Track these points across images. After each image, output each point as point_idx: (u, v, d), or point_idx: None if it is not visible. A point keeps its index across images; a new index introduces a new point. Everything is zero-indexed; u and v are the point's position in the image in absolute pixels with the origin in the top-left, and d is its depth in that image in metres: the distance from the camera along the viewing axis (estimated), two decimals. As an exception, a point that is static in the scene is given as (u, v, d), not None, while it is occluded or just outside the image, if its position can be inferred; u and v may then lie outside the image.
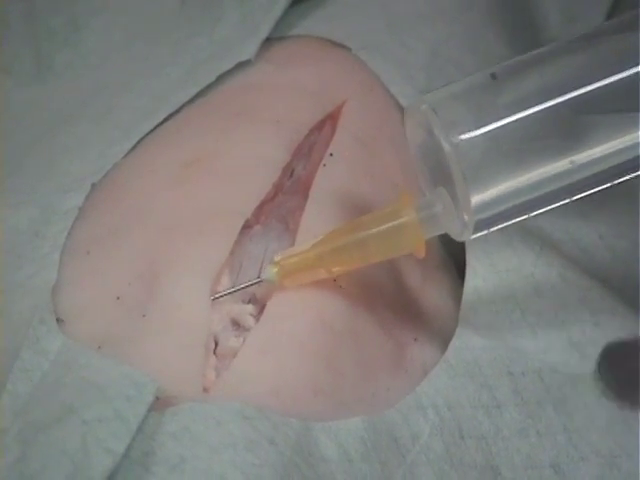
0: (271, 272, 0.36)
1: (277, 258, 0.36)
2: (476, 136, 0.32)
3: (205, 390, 0.34)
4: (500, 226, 0.35)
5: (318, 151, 0.44)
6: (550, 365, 0.39)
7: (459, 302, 0.41)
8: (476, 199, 0.33)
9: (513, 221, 0.35)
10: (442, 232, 0.36)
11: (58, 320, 0.36)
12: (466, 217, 0.33)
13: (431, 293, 0.42)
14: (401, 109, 0.48)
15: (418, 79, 0.50)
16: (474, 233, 0.34)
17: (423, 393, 0.37)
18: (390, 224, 0.36)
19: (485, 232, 0.35)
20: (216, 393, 0.34)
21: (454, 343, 0.39)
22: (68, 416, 0.31)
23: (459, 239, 0.35)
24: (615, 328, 0.41)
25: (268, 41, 0.50)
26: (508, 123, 0.32)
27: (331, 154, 0.43)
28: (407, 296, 0.41)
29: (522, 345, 0.40)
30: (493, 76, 0.34)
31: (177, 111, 0.47)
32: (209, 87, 0.48)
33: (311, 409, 0.34)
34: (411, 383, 0.38)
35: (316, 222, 0.39)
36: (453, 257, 0.44)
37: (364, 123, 0.46)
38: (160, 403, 0.32)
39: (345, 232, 0.36)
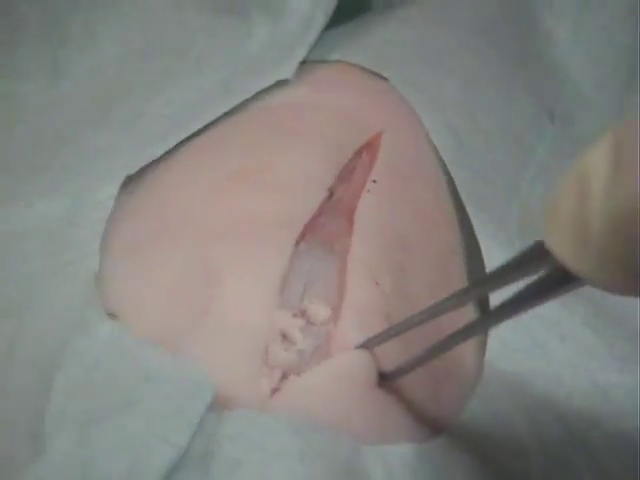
0: None
1: None
2: None
3: (261, 398, 0.36)
4: None
5: (358, 176, 0.47)
6: (575, 410, 0.42)
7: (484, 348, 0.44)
8: None
9: None
10: None
11: (109, 314, 0.38)
12: None
13: None
14: (432, 144, 0.51)
15: (449, 116, 0.54)
16: None
17: (456, 432, 0.40)
18: None
19: None
20: (272, 403, 0.36)
21: (479, 392, 0.42)
22: (128, 407, 0.33)
23: None
24: None
25: (303, 63, 0.54)
26: None
27: (374, 181, 0.46)
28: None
29: (547, 391, 0.43)
30: None
31: (213, 122, 0.50)
32: (245, 102, 0.51)
33: (361, 435, 0.37)
34: (446, 417, 0.41)
35: (365, 251, 0.42)
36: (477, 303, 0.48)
37: (401, 154, 0.49)
38: (216, 404, 0.35)
39: None
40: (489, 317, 0.36)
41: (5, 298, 0.41)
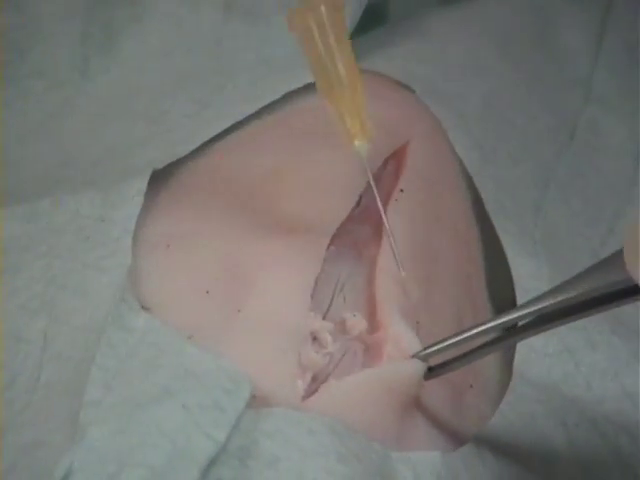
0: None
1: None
2: None
3: (297, 398, 0.37)
4: None
5: (385, 185, 0.48)
6: (604, 415, 0.43)
7: (512, 352, 0.45)
8: None
9: None
10: None
11: (142, 307, 0.39)
12: None
13: None
14: (455, 157, 0.52)
15: (473, 130, 0.55)
16: None
17: (482, 441, 0.41)
18: None
19: None
20: (307, 404, 0.37)
21: (508, 396, 0.43)
22: (167, 398, 0.34)
23: None
24: None
25: None
26: None
27: (401, 190, 0.47)
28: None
29: (577, 396, 0.44)
30: None
31: (242, 123, 0.51)
32: (274, 104, 0.52)
33: (390, 443, 0.38)
34: (468, 428, 0.42)
35: (393, 262, 0.43)
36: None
37: (429, 164, 0.50)
38: (254, 401, 0.35)
39: None
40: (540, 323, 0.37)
41: (37, 295, 0.42)
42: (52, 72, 0.58)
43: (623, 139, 0.61)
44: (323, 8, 0.40)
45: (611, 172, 0.60)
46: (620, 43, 0.65)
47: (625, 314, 0.48)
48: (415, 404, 0.40)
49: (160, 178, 0.47)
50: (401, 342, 0.40)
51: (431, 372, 0.40)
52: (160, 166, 0.47)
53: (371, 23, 0.67)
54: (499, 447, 0.41)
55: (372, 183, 0.43)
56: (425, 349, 0.39)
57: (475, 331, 0.38)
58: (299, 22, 0.41)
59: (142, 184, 0.45)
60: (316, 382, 0.39)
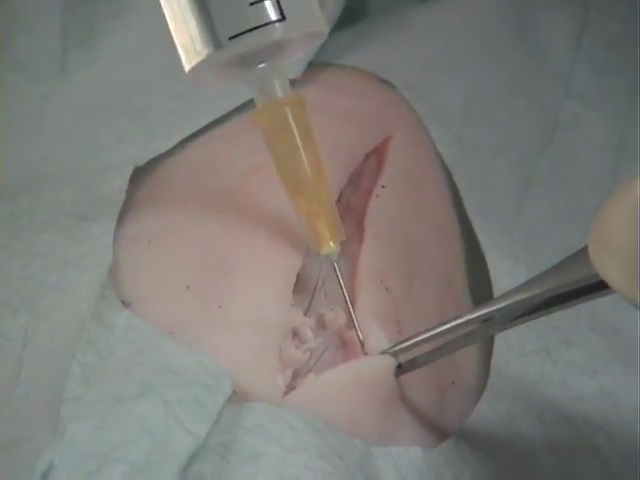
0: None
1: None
2: None
3: (278, 394, 0.37)
4: None
5: (366, 181, 0.48)
6: (582, 414, 0.43)
7: (490, 352, 0.46)
8: None
9: None
10: None
11: (123, 303, 0.39)
12: None
13: None
14: (436, 152, 0.53)
15: (454, 126, 0.55)
16: None
17: (461, 438, 0.41)
18: None
19: None
20: (286, 400, 0.37)
21: (486, 394, 0.43)
22: (147, 394, 0.34)
23: None
24: None
25: (310, 65, 0.55)
26: None
27: (383, 186, 0.47)
28: None
29: (554, 395, 0.44)
30: None
31: (223, 118, 0.51)
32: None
33: (371, 438, 0.39)
34: (450, 424, 0.43)
35: (375, 257, 0.44)
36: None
37: (410, 159, 0.51)
38: (234, 397, 0.36)
39: None
40: (507, 319, 0.38)
41: (17, 293, 0.42)
42: (33, 66, 0.58)
43: (604, 134, 0.62)
44: (288, 109, 0.39)
45: (592, 167, 0.61)
46: (600, 39, 0.65)
47: (603, 312, 0.48)
48: (397, 400, 0.40)
49: (140, 174, 0.47)
50: (369, 338, 0.40)
51: (401, 368, 0.40)
52: (141, 163, 0.47)
53: (351, 19, 0.67)
54: (478, 444, 0.41)
55: (341, 284, 0.41)
56: (394, 345, 0.40)
57: (442, 329, 0.39)
58: (263, 122, 0.39)
59: (123, 182, 0.45)
60: (297, 378, 0.39)
